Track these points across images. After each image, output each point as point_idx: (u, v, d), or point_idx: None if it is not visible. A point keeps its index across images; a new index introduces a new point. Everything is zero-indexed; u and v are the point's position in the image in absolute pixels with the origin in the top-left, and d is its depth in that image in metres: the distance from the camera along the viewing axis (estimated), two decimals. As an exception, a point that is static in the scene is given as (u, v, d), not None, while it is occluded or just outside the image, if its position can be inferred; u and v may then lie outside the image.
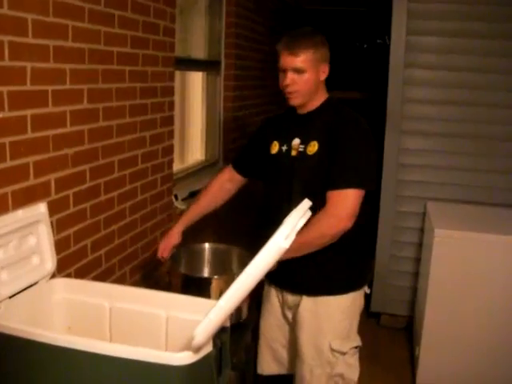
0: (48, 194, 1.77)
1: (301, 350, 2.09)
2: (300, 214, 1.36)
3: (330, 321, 2.05)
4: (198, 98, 3.39)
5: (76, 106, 1.87)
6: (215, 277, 2.11)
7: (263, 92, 4.24)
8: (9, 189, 1.59)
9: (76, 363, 1.37)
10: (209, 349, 1.38)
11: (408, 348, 3.48)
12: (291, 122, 2.10)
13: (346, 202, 1.88)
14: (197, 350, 1.34)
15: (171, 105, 2.64)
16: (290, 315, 2.18)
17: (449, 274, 2.90)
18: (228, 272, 2.23)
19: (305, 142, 2.01)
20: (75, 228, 1.94)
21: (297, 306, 2.11)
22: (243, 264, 1.94)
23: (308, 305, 2.07)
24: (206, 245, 2.33)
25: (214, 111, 3.48)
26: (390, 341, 3.59)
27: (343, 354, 2.03)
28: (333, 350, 2.03)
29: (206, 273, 2.32)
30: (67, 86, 1.81)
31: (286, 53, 1.94)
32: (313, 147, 1.98)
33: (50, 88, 1.73)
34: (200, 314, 1.61)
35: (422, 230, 3.58)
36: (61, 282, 1.75)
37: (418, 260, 3.62)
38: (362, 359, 2.12)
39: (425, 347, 2.98)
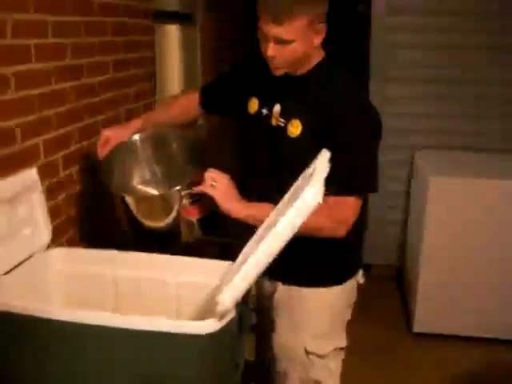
0: (37, 158, 1.64)
1: (274, 349, 1.77)
2: (323, 167, 1.27)
3: (306, 317, 1.71)
4: (175, 52, 3.22)
5: (60, 62, 1.71)
6: (177, 189, 1.58)
7: (240, 44, 4.08)
8: (-5, 155, 1.45)
9: (90, 339, 1.27)
10: (232, 314, 1.29)
11: (399, 297, 3.48)
12: (275, 79, 1.61)
13: (348, 210, 1.53)
14: (221, 316, 1.26)
15: (152, 60, 2.49)
16: (265, 305, 1.82)
17: (444, 222, 2.87)
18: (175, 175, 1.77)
19: (285, 116, 1.60)
20: (64, 194, 1.81)
21: (272, 295, 1.78)
22: (185, 150, 1.79)
23: (282, 296, 1.74)
24: (136, 137, 1.83)
25: (193, 65, 3.32)
26: (380, 291, 3.57)
27: (321, 356, 1.71)
28: (308, 353, 1.70)
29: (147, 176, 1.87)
30: (50, 40, 1.65)
31: (268, 19, 1.45)
32: (295, 128, 1.57)
33: (32, 42, 1.57)
34: (211, 276, 1.54)
35: (409, 179, 3.54)
36: (57, 253, 1.63)
37: (405, 209, 3.59)
38: (354, 311, 1.89)
39: (421, 297, 2.98)
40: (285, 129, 1.59)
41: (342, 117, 1.53)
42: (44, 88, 1.64)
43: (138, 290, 1.61)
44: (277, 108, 1.63)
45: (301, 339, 1.71)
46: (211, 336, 1.25)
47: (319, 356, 1.71)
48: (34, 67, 1.58)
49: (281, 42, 1.48)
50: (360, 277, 1.81)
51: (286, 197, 1.41)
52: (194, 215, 1.62)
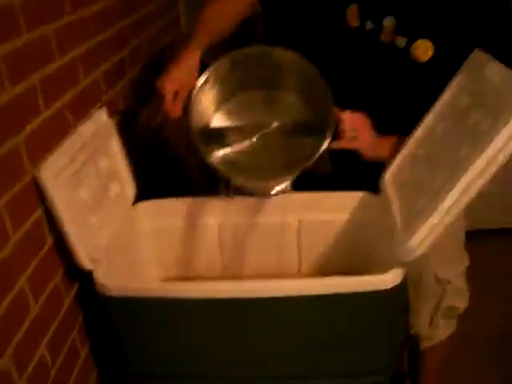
0: (99, 96, 1.31)
1: None
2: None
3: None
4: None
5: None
6: None
7: None
8: (65, 98, 1.12)
9: (259, 312, 1.03)
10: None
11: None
12: None
13: None
14: (403, 264, 1.03)
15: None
16: None
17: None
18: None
19: (406, 34, 1.21)
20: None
21: None
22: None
23: None
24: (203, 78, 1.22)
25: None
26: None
27: (451, 281, 1.50)
28: (439, 280, 1.50)
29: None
30: None
31: None
32: (423, 51, 1.19)
33: None
34: (337, 211, 1.30)
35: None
36: (150, 207, 1.35)
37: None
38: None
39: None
40: (406, 52, 1.22)
41: (497, 31, 1.12)
42: (98, 4, 1.29)
43: (248, 240, 1.35)
44: (389, 21, 1.23)
45: (430, 268, 1.48)
46: (396, 288, 1.03)
47: (450, 281, 1.49)
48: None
49: None
50: None
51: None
52: None
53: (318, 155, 1.16)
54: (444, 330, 1.56)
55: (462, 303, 1.54)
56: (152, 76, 1.25)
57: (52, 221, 1.00)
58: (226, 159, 1.23)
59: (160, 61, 1.78)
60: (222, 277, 1.38)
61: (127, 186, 1.29)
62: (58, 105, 1.08)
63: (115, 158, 1.26)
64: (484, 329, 2.01)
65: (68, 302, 1.09)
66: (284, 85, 1.26)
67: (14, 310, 0.89)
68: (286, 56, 1.21)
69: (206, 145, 1.21)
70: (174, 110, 1.21)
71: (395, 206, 1.13)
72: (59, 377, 1.02)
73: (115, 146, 1.26)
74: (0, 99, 0.88)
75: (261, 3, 1.40)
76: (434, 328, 1.54)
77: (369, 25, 1.26)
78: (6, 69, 0.89)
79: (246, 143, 1.27)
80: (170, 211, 1.34)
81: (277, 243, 1.35)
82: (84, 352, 1.14)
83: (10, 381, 0.86)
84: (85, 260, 1.04)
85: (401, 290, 1.04)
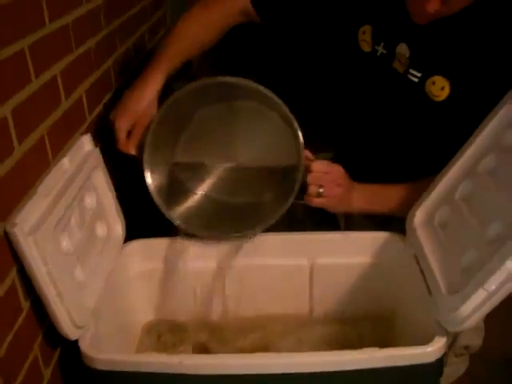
0: (83, 119, 1.12)
1: None
2: None
3: None
4: None
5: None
6: None
7: None
8: (43, 126, 0.93)
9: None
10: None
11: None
12: (402, 7, 1.05)
13: None
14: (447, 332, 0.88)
15: None
16: None
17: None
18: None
19: (420, 67, 1.06)
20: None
21: None
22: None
23: None
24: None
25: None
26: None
27: None
28: None
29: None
30: None
31: None
32: (439, 89, 1.04)
33: None
34: (354, 254, 1.15)
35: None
36: (139, 247, 1.17)
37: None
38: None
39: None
40: (420, 87, 1.07)
41: None
42: (78, 10, 1.09)
43: (260, 287, 1.19)
44: (402, 49, 1.08)
45: None
46: (439, 361, 0.88)
47: None
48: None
49: None
50: None
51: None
52: None
53: (283, 212, 1.03)
54: (457, 367, 1.47)
55: (478, 340, 1.44)
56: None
57: (29, 282, 0.82)
58: (186, 213, 1.12)
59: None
60: (223, 321, 1.23)
61: (116, 224, 1.11)
62: (34, 136, 0.89)
63: (101, 191, 1.08)
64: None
65: (49, 374, 0.91)
66: (250, 120, 1.10)
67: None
68: (250, 87, 1.02)
69: (162, 193, 1.10)
70: (128, 148, 1.08)
71: (429, 253, 0.98)
72: None
73: (102, 178, 1.07)
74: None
75: (259, 13, 1.22)
76: (448, 367, 1.44)
77: (380, 49, 1.12)
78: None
79: (207, 185, 1.15)
80: (169, 252, 1.16)
81: (284, 286, 1.19)
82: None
83: None
84: (70, 330, 0.86)
85: (442, 361, 0.89)
